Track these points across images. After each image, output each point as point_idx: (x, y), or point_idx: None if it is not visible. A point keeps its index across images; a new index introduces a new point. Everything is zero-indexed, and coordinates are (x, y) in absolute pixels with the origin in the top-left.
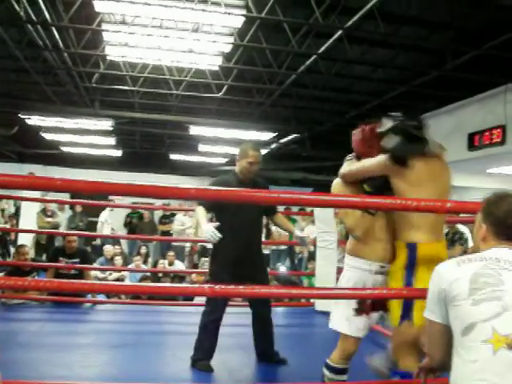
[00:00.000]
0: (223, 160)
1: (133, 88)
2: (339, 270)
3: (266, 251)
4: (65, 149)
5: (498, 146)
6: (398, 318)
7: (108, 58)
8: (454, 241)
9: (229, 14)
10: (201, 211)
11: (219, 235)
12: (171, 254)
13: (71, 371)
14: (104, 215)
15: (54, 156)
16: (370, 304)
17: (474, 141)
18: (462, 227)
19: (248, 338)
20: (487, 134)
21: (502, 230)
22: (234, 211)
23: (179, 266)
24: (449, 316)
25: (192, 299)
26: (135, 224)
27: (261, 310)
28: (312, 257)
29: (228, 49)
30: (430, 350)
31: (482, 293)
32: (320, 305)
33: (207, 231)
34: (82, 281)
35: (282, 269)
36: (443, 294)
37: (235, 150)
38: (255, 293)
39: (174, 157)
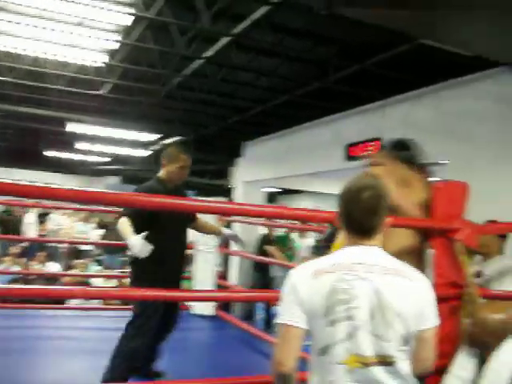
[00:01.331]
0: (102, 159)
1: (9, 79)
2: (218, 274)
3: None
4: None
5: None
6: None
7: None
8: (329, 247)
9: (117, 11)
10: (125, 222)
11: (150, 247)
12: (43, 254)
13: None
14: None
15: None
16: None
17: (351, 152)
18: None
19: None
20: (363, 145)
21: (348, 220)
22: (168, 219)
23: (54, 267)
24: (308, 326)
25: (63, 302)
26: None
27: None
28: (191, 260)
29: (114, 46)
30: (282, 357)
31: (336, 311)
32: (198, 308)
33: (135, 245)
34: None
35: None
36: (303, 306)
37: (116, 150)
38: (129, 295)
39: (49, 153)
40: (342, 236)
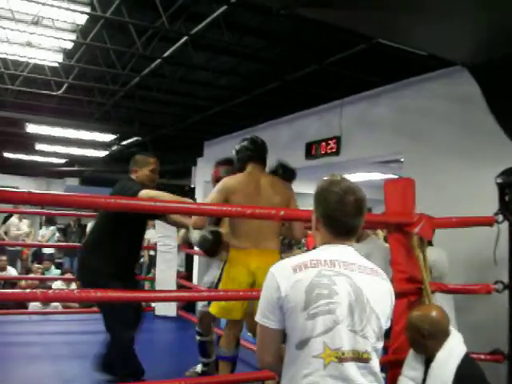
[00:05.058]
0: (63, 160)
1: None
2: (179, 274)
3: None
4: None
5: (334, 155)
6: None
7: None
8: (292, 245)
9: (72, 10)
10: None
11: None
12: (3, 258)
13: None
14: None
15: None
16: None
17: (311, 150)
18: None
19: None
20: (323, 144)
21: (332, 223)
22: (134, 215)
23: (12, 271)
24: (285, 323)
25: (25, 307)
26: None
27: None
28: (152, 262)
29: (70, 46)
30: (260, 353)
31: (316, 306)
32: (160, 309)
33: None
34: None
35: None
36: (280, 302)
37: (75, 151)
38: (92, 297)
39: (8, 155)
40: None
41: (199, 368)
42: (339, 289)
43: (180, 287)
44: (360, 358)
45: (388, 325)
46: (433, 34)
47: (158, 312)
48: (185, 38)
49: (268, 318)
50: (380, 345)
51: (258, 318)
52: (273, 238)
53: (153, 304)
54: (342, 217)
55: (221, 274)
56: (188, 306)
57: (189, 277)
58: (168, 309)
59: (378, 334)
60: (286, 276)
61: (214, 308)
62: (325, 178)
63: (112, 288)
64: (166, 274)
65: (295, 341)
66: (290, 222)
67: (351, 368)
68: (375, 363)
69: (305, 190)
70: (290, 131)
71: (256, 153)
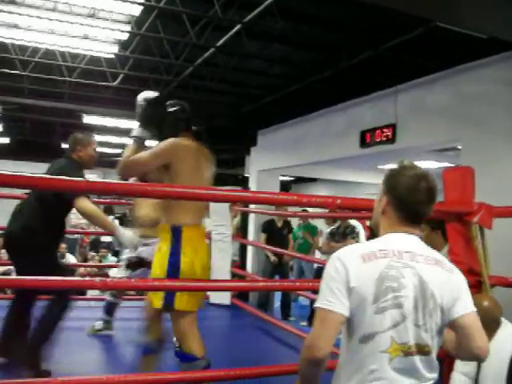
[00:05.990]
0: (118, 150)
1: (22, 72)
2: (234, 263)
3: None
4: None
5: (389, 143)
6: (161, 299)
7: None
8: (346, 234)
9: (127, 1)
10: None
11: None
12: (62, 246)
13: None
14: None
15: None
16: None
17: (366, 138)
18: (353, 221)
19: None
20: (378, 132)
21: (402, 207)
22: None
23: (71, 258)
24: (352, 312)
25: (84, 293)
26: None
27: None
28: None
29: (125, 37)
30: (318, 341)
31: (385, 299)
32: (215, 298)
33: (127, 237)
34: None
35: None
36: (349, 291)
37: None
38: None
39: (66, 146)
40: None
41: (98, 325)
42: (406, 282)
43: (234, 276)
44: (422, 350)
45: (467, 310)
46: (495, 15)
47: (212, 300)
48: (238, 27)
49: (334, 301)
50: (440, 338)
51: (318, 304)
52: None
53: (207, 292)
54: (413, 202)
55: (176, 255)
56: (242, 294)
57: (242, 265)
58: (222, 297)
59: (440, 327)
60: (356, 264)
61: (185, 303)
62: (397, 163)
63: None
64: (220, 263)
65: (359, 334)
66: None
67: (415, 361)
68: (435, 355)
69: (358, 178)
70: (344, 119)
71: (187, 121)
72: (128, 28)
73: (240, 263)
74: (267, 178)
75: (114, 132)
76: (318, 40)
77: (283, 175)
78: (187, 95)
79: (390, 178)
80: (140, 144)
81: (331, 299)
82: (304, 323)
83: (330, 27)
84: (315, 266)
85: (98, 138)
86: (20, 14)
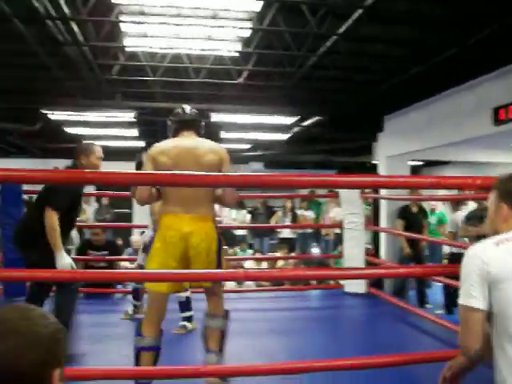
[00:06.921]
0: (246, 146)
1: (153, 78)
2: (368, 252)
3: (292, 235)
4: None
5: None
6: None
7: (127, 49)
8: (483, 217)
9: None
10: (56, 225)
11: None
12: None
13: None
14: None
15: None
16: None
17: (500, 115)
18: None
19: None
20: None
21: None
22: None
23: None
24: (492, 300)
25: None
26: None
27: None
28: (339, 239)
29: (247, 34)
30: (467, 341)
31: None
32: (350, 287)
33: (65, 262)
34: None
35: (315, 251)
36: (486, 276)
37: (259, 135)
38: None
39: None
40: None
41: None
42: None
43: (368, 264)
44: None
45: None
46: None
47: (347, 289)
48: (359, 12)
49: (474, 297)
50: None
51: (461, 301)
52: (206, 204)
53: (342, 281)
54: None
55: (153, 238)
56: (377, 282)
57: (376, 253)
58: (358, 286)
59: None
60: (490, 250)
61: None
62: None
63: None
64: (353, 251)
65: (507, 318)
66: (222, 188)
67: None
68: None
69: (492, 159)
70: (473, 97)
71: (181, 123)
72: (249, 25)
73: (374, 251)
74: (397, 163)
75: (245, 128)
76: (441, 18)
77: (412, 160)
78: (310, 85)
79: (503, 185)
80: None
81: (472, 293)
82: (440, 311)
83: (452, 4)
84: (448, 250)
85: (226, 135)
86: (148, 23)
